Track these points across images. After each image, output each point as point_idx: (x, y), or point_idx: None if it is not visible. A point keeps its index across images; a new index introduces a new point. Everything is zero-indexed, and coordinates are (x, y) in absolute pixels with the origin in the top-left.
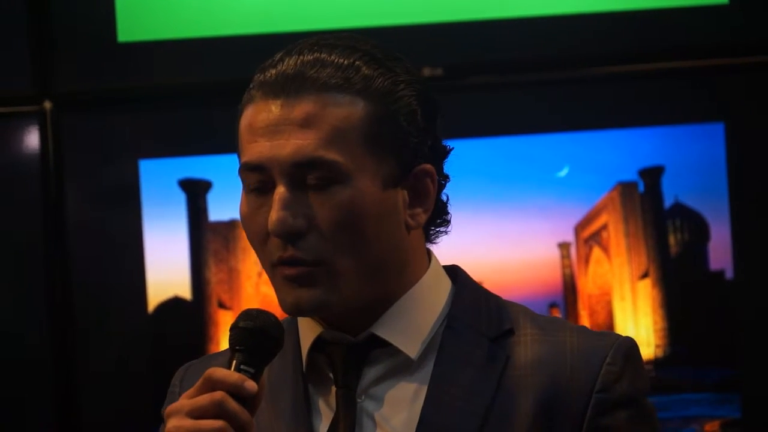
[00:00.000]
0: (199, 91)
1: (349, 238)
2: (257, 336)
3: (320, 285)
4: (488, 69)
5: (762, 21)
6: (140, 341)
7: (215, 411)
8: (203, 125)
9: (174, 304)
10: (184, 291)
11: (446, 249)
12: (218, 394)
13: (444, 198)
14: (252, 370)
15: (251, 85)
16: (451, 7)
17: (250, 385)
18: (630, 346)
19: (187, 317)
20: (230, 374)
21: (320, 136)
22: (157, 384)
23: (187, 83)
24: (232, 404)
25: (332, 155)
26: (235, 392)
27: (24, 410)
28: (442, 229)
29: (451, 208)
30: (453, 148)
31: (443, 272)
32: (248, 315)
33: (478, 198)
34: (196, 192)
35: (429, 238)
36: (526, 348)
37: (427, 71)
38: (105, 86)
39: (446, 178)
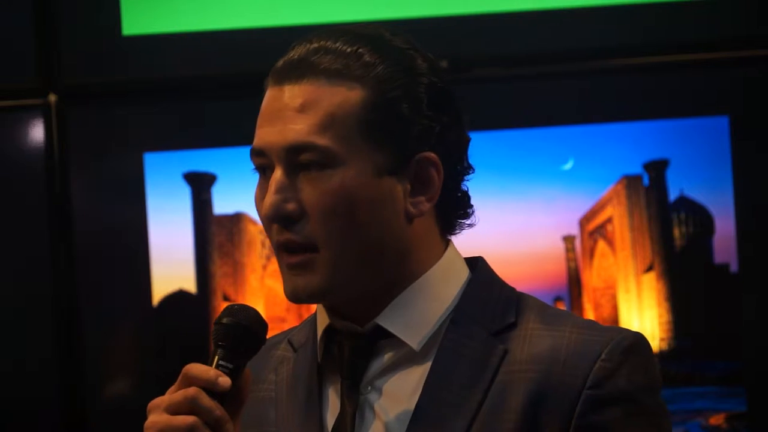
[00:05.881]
0: (203, 84)
1: (341, 224)
2: (238, 332)
3: (316, 273)
4: (493, 62)
5: (767, 14)
6: (145, 334)
7: (188, 407)
8: (208, 118)
9: (179, 297)
10: (189, 284)
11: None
12: (191, 390)
13: (464, 188)
14: (230, 366)
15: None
16: None
17: (224, 381)
18: (633, 342)
19: (192, 310)
20: (206, 370)
21: (314, 121)
22: (162, 377)
23: (191, 76)
24: (206, 400)
25: (324, 141)
26: (210, 388)
27: (30, 404)
28: (465, 221)
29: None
30: (470, 138)
31: (461, 263)
32: (230, 311)
33: (482, 191)
34: (200, 185)
35: (450, 230)
36: (525, 342)
37: None
38: (110, 79)
39: (467, 169)
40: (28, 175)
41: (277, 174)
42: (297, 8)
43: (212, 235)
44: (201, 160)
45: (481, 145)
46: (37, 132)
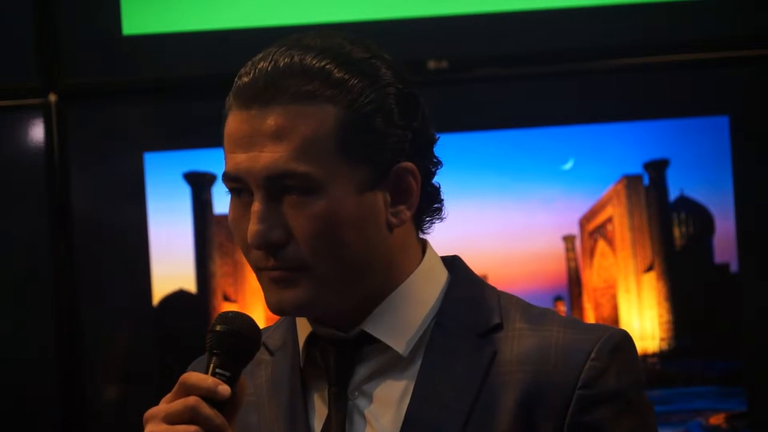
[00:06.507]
0: (203, 83)
1: (328, 247)
2: (233, 339)
3: (302, 287)
4: (493, 62)
5: (766, 14)
6: (145, 334)
7: (189, 416)
8: (208, 118)
9: (179, 297)
10: (189, 284)
11: (450, 242)
12: (191, 399)
13: (436, 184)
14: (228, 374)
15: (231, 91)
16: None
17: (224, 389)
18: (619, 340)
19: (192, 310)
20: (204, 379)
21: (291, 148)
22: (162, 377)
23: (191, 76)
24: (206, 409)
25: (304, 167)
26: (209, 397)
27: (29, 403)
28: (435, 217)
29: (454, 200)
30: (438, 137)
31: (439, 265)
32: (225, 318)
33: (483, 191)
34: (200, 185)
35: (422, 229)
36: (513, 343)
37: (432, 64)
38: (110, 79)
39: (436, 165)
40: (28, 175)
41: (259, 202)
42: (296, 8)
43: (212, 235)
44: (201, 159)
45: (481, 146)
46: (37, 132)
